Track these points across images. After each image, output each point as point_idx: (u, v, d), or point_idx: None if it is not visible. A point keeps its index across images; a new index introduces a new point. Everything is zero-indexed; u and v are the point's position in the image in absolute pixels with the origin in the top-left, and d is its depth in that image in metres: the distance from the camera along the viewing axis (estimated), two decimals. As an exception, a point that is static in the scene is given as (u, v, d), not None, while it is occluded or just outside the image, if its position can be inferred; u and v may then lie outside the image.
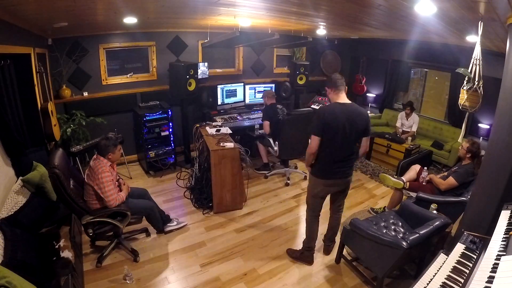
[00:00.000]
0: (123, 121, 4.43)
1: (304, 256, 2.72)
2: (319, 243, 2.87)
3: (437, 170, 4.71)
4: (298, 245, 3.00)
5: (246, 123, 4.58)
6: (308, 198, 2.63)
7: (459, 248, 1.62)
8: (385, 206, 3.50)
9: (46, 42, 3.62)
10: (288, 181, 4.19)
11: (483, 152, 2.97)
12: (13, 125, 2.47)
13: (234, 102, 5.05)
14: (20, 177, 2.45)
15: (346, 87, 2.34)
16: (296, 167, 4.64)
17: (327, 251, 2.84)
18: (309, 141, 2.34)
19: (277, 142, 4.00)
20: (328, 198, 2.66)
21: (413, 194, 3.12)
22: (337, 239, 2.83)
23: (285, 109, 4.18)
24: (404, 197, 3.38)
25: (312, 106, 5.52)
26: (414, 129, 4.97)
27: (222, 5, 2.45)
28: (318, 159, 2.38)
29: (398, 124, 5.24)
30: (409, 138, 4.76)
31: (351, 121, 2.23)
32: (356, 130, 2.27)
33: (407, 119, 5.08)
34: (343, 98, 2.31)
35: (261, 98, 5.28)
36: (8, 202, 2.16)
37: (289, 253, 2.82)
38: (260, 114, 4.63)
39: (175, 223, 3.10)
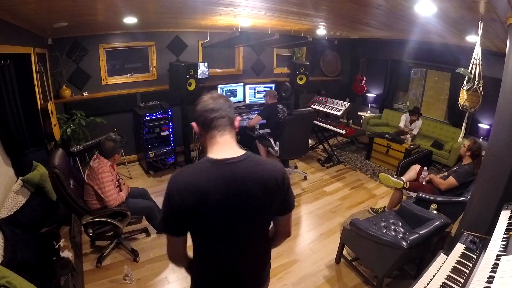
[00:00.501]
0: (123, 121, 4.43)
1: None
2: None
3: (437, 170, 4.71)
4: (298, 244, 3.00)
5: (246, 123, 4.57)
6: None
7: (459, 248, 1.63)
8: (385, 206, 3.50)
9: (46, 42, 3.62)
10: None
11: (483, 153, 2.97)
12: (13, 125, 2.47)
13: (234, 102, 5.04)
14: (20, 177, 2.45)
15: (236, 119, 1.14)
16: (296, 167, 4.64)
17: None
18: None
19: (277, 142, 4.00)
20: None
21: (413, 194, 3.12)
22: (337, 239, 2.83)
23: (286, 110, 4.18)
24: (404, 197, 3.38)
25: (312, 106, 5.53)
26: (415, 132, 4.96)
27: (222, 5, 2.45)
28: (195, 278, 1.26)
29: (401, 124, 5.21)
30: (409, 138, 4.75)
31: (243, 197, 1.05)
32: (256, 212, 1.10)
33: (411, 124, 5.06)
34: (226, 148, 1.08)
35: (261, 98, 5.29)
36: (8, 202, 2.16)
37: None
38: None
39: (175, 223, 3.09)
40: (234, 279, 1.19)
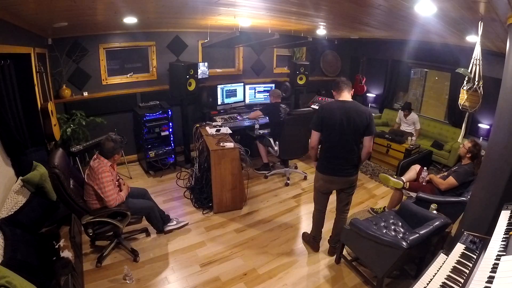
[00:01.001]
0: (123, 121, 4.43)
1: (310, 242, 2.93)
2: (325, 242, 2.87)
3: (437, 170, 4.71)
4: (298, 244, 3.00)
5: (246, 123, 4.58)
6: (314, 193, 2.76)
7: (459, 248, 1.62)
8: (385, 206, 3.50)
9: (46, 42, 3.62)
10: (288, 181, 4.19)
11: (482, 152, 2.97)
12: (13, 125, 2.47)
13: (234, 102, 5.05)
14: (20, 177, 2.45)
15: (353, 89, 2.48)
16: (296, 167, 4.64)
17: (332, 252, 2.84)
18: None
19: (277, 142, 4.00)
20: (335, 197, 2.74)
21: (413, 194, 3.12)
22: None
23: (288, 109, 4.19)
24: (404, 197, 3.38)
25: (312, 106, 5.52)
26: (418, 127, 4.96)
27: (222, 5, 2.45)
28: (320, 154, 2.54)
29: (397, 120, 5.25)
30: (410, 138, 4.75)
31: (348, 117, 2.30)
32: (354, 127, 2.32)
33: (406, 119, 5.07)
34: (345, 97, 2.41)
35: (261, 98, 5.29)
36: (8, 202, 2.16)
37: (303, 236, 3.07)
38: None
39: (175, 222, 3.10)
40: (338, 162, 2.44)
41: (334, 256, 2.76)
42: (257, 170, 4.49)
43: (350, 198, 2.68)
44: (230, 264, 2.70)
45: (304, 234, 3.07)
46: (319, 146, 2.55)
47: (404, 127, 5.13)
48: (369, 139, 2.39)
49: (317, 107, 5.43)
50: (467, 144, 3.06)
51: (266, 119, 4.34)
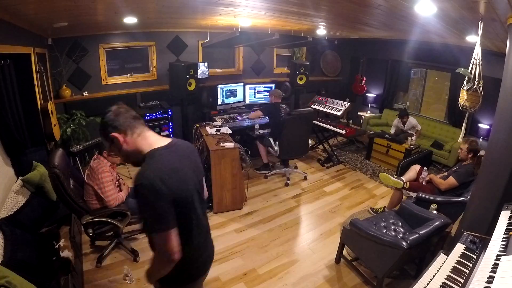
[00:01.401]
0: (123, 121, 4.42)
1: None
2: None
3: (437, 170, 4.71)
4: (298, 244, 3.00)
5: (246, 123, 4.57)
6: None
7: (459, 248, 1.62)
8: (385, 206, 3.50)
9: (46, 42, 3.62)
10: (288, 181, 4.19)
11: (482, 152, 2.97)
12: (13, 125, 2.47)
13: (234, 102, 5.05)
14: (20, 177, 2.45)
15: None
16: (296, 167, 4.64)
17: None
18: (163, 240, 1.09)
19: (277, 142, 4.00)
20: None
21: (413, 194, 3.12)
22: (337, 239, 2.83)
23: (288, 109, 4.19)
24: (404, 197, 3.38)
25: (312, 106, 5.53)
26: (419, 128, 4.92)
27: (222, 5, 2.45)
28: (185, 257, 1.18)
29: (392, 131, 5.16)
30: (410, 138, 4.75)
31: (196, 167, 1.28)
32: (199, 178, 1.31)
33: (404, 126, 5.04)
34: (159, 138, 1.23)
35: (261, 98, 5.29)
36: (8, 202, 2.16)
37: None
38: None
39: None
40: (209, 253, 1.44)
41: (334, 256, 2.76)
42: (257, 170, 4.49)
43: None
44: (230, 264, 2.70)
45: None
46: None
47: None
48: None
49: (317, 107, 5.47)
50: (464, 145, 3.05)
51: (266, 119, 4.34)
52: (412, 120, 4.95)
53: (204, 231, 1.33)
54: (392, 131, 5.17)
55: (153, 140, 1.19)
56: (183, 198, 1.12)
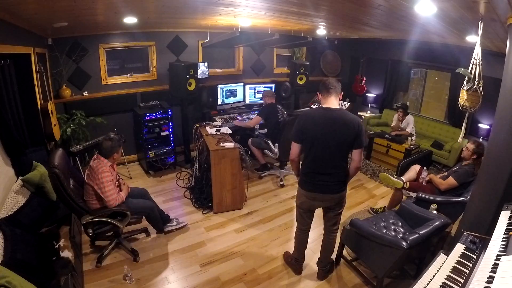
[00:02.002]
0: (123, 121, 4.43)
1: (291, 264, 2.64)
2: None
3: (437, 170, 4.71)
4: (298, 245, 3.00)
5: (244, 122, 4.57)
6: (296, 211, 2.42)
7: (459, 248, 1.62)
8: (385, 206, 3.50)
9: (46, 42, 3.62)
10: (281, 183, 4.18)
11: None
12: (13, 125, 2.47)
13: (234, 102, 5.05)
14: (20, 177, 2.45)
15: (341, 94, 2.15)
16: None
17: (321, 276, 2.54)
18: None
19: (276, 144, 3.98)
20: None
21: (413, 194, 3.12)
22: (337, 239, 2.83)
23: (284, 111, 4.17)
24: (404, 197, 3.38)
25: (312, 106, 5.52)
26: (409, 129, 4.89)
27: (222, 5, 2.45)
28: (302, 169, 2.20)
29: (393, 124, 5.22)
30: (409, 138, 4.75)
31: (334, 128, 1.99)
32: (340, 139, 2.01)
33: (401, 122, 5.05)
34: (330, 103, 2.06)
35: (260, 98, 5.29)
36: (8, 202, 2.16)
37: (284, 256, 2.78)
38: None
39: (175, 223, 3.10)
40: (322, 178, 2.11)
41: (334, 256, 2.76)
42: (257, 170, 4.49)
43: (339, 218, 2.37)
44: (230, 264, 2.70)
45: (286, 254, 2.77)
46: (302, 159, 2.23)
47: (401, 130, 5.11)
48: (358, 152, 2.08)
49: (316, 107, 5.46)
50: (471, 146, 3.01)
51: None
52: (409, 119, 4.95)
53: (319, 163, 2.08)
54: (393, 124, 5.19)
55: (328, 102, 2.08)
56: (308, 134, 2.04)
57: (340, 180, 2.15)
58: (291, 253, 2.67)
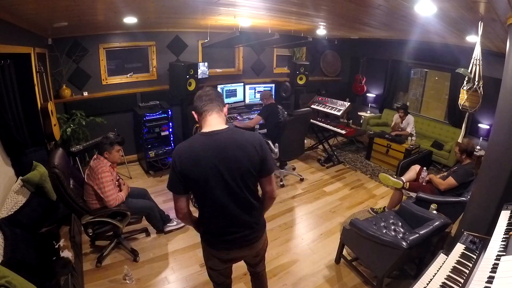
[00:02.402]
0: (123, 121, 4.43)
1: None
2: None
3: (437, 170, 4.71)
4: (298, 244, 3.00)
5: (243, 122, 4.57)
6: (208, 272, 1.86)
7: (459, 248, 1.62)
8: (385, 206, 3.50)
9: (46, 42, 3.62)
10: (282, 183, 4.18)
11: (478, 148, 2.96)
12: (13, 125, 2.47)
13: (234, 102, 5.05)
14: (20, 177, 2.45)
15: (224, 106, 1.54)
16: (294, 169, 4.63)
17: None
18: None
19: (276, 144, 3.98)
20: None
21: (413, 194, 3.12)
22: (337, 239, 2.83)
23: (285, 110, 4.17)
24: (404, 197, 3.38)
25: (312, 106, 5.52)
26: (409, 129, 4.89)
27: (222, 5, 2.46)
28: (201, 225, 1.62)
29: (392, 124, 5.21)
30: (409, 138, 4.75)
31: (225, 159, 1.40)
32: (238, 171, 1.43)
33: (402, 122, 5.05)
34: (213, 124, 1.46)
35: (259, 99, 5.28)
36: (8, 202, 2.16)
37: None
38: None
39: (175, 223, 3.10)
40: (230, 230, 1.53)
41: (334, 256, 2.76)
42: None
43: (262, 264, 1.94)
44: (230, 264, 2.70)
45: None
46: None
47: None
48: (268, 180, 1.55)
49: (317, 107, 5.47)
50: (455, 148, 3.09)
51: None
52: (409, 119, 4.94)
53: (221, 211, 1.48)
54: (393, 124, 5.19)
55: (208, 124, 1.47)
56: (193, 178, 1.40)
57: (255, 223, 1.59)
58: None
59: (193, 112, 1.53)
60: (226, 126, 1.48)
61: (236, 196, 1.46)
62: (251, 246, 1.62)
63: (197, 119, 1.53)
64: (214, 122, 1.47)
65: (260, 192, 1.60)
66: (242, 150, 1.42)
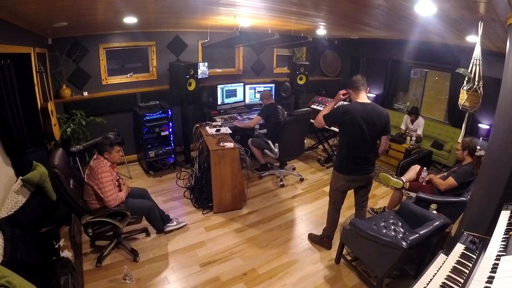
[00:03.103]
0: (123, 121, 4.43)
1: (323, 241, 2.96)
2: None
3: (437, 170, 4.71)
4: (298, 244, 3.00)
5: (244, 122, 4.57)
6: (330, 192, 2.79)
7: (459, 248, 1.62)
8: (385, 206, 3.50)
9: (46, 42, 3.62)
10: (281, 183, 4.18)
11: (479, 148, 2.96)
12: (13, 125, 2.47)
13: (234, 102, 5.05)
14: (20, 177, 2.45)
15: (368, 88, 2.48)
16: (294, 169, 4.63)
17: None
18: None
19: (276, 144, 3.98)
20: (352, 194, 2.84)
21: (413, 194, 3.12)
22: (337, 239, 2.83)
23: (284, 110, 4.17)
24: (404, 197, 3.38)
25: (312, 106, 5.52)
26: (419, 132, 4.93)
27: (222, 5, 2.45)
28: (340, 155, 2.60)
29: (402, 126, 5.21)
30: (409, 138, 4.75)
31: (369, 119, 2.35)
32: (374, 128, 2.38)
33: (412, 124, 5.07)
34: (363, 98, 2.43)
35: (259, 99, 5.28)
36: (8, 201, 2.16)
37: (310, 237, 3.08)
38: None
39: (175, 223, 3.10)
40: (360, 161, 2.50)
41: (334, 256, 2.76)
42: (257, 170, 4.49)
43: (368, 194, 2.80)
44: (230, 264, 2.70)
45: (311, 235, 3.09)
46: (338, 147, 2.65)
47: (409, 132, 5.11)
48: (386, 138, 2.54)
49: (317, 107, 5.46)
50: (458, 145, 3.10)
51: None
52: (420, 122, 4.97)
53: (359, 150, 2.46)
54: (403, 126, 5.20)
55: (360, 97, 2.44)
56: (348, 122, 2.37)
57: (373, 162, 2.58)
58: (316, 234, 3.04)
59: (349, 89, 2.49)
60: (370, 101, 2.46)
61: (370, 143, 2.44)
62: (367, 177, 2.61)
63: (351, 93, 2.48)
64: (364, 97, 2.44)
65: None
66: (378, 117, 2.39)
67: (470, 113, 2.54)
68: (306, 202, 3.79)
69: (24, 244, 1.87)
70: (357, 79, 2.44)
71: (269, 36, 3.38)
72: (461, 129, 4.72)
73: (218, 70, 5.30)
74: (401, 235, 2.46)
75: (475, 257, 1.53)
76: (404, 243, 2.02)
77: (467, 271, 1.44)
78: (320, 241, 2.98)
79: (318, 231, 3.18)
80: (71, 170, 2.51)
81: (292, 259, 2.79)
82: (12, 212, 2.08)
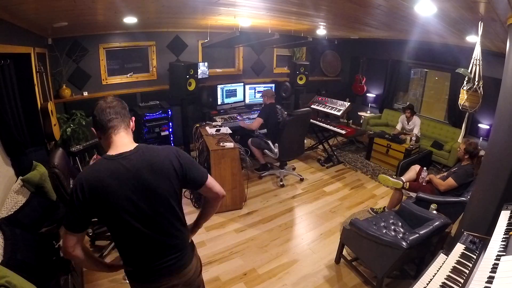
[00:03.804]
0: (123, 121, 4.42)
1: None
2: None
3: (437, 171, 4.71)
4: (298, 244, 3.00)
5: (246, 123, 4.57)
6: None
7: (459, 248, 1.62)
8: (385, 206, 3.50)
9: (46, 41, 3.62)
10: (281, 183, 4.18)
11: (482, 152, 2.96)
12: (13, 125, 2.47)
13: (234, 102, 5.05)
14: (20, 177, 2.45)
15: (131, 119, 1.32)
16: (294, 169, 4.63)
17: None
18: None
19: (276, 144, 3.98)
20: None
21: (413, 194, 3.12)
22: (337, 239, 2.83)
23: (284, 110, 4.17)
24: (404, 197, 3.38)
25: (312, 106, 5.53)
26: (416, 131, 4.90)
27: (222, 5, 2.46)
28: (124, 261, 1.31)
29: (398, 127, 5.18)
30: (409, 138, 4.75)
31: (141, 185, 1.16)
32: (159, 195, 1.20)
33: (408, 123, 5.05)
34: (120, 145, 1.20)
35: (260, 97, 5.29)
36: (7, 201, 2.16)
37: None
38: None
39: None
40: (156, 258, 1.26)
41: (334, 256, 2.76)
42: (257, 170, 4.49)
43: None
44: (230, 264, 2.70)
45: None
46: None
47: (405, 132, 5.10)
48: (206, 188, 1.39)
49: (317, 107, 5.46)
50: (462, 145, 3.06)
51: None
52: (416, 121, 4.95)
53: (145, 245, 1.22)
54: (399, 126, 5.17)
55: (114, 145, 1.20)
56: (101, 213, 1.14)
57: (183, 246, 1.36)
58: None
59: (93, 129, 1.22)
60: (135, 145, 1.22)
61: (155, 223, 1.22)
62: (180, 275, 1.33)
63: (98, 138, 1.24)
64: (122, 142, 1.20)
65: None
66: (158, 171, 1.19)
67: (470, 113, 2.55)
68: (306, 202, 3.79)
69: (24, 244, 1.87)
70: (101, 109, 1.19)
71: (269, 36, 3.38)
72: (461, 129, 4.75)
73: (218, 70, 5.30)
74: (401, 235, 2.46)
75: (475, 257, 1.53)
76: (404, 243, 2.02)
77: (467, 271, 1.44)
78: None
79: (318, 231, 3.19)
80: (71, 170, 2.50)
81: (292, 259, 2.79)
82: (12, 212, 2.08)
